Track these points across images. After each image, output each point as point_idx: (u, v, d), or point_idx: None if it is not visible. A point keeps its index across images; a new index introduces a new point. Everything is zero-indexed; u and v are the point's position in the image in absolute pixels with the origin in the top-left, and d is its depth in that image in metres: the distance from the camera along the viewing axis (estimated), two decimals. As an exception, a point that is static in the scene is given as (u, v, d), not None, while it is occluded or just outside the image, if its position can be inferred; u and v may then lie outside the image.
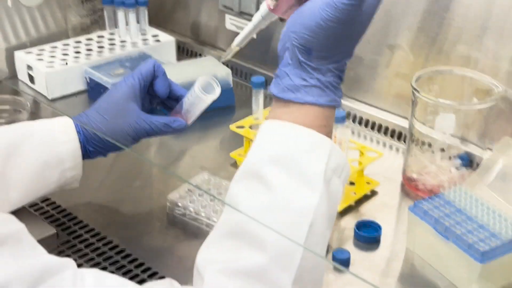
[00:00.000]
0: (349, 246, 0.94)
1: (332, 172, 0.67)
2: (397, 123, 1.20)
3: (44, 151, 0.88)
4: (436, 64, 1.12)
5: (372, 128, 1.23)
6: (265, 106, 1.14)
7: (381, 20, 1.16)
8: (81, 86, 1.34)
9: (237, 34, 1.41)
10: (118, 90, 0.91)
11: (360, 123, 1.24)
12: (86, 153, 0.92)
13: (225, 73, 1.29)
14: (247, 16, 1.37)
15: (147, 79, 0.92)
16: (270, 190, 0.65)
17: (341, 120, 0.99)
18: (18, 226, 0.62)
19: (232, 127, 1.11)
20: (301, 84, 0.66)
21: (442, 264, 0.88)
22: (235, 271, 0.63)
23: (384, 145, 1.20)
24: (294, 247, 0.63)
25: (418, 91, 1.01)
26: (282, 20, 0.74)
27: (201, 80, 0.89)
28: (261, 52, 1.38)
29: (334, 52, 0.65)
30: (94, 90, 1.31)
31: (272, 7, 0.71)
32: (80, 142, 0.90)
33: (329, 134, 0.69)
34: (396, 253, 0.93)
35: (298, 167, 0.65)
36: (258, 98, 1.11)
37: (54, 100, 1.31)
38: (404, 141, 1.18)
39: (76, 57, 1.36)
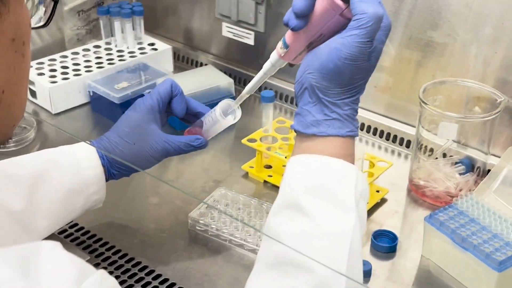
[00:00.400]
0: (367, 256, 0.98)
1: (360, 196, 0.72)
2: (399, 128, 1.24)
3: (69, 178, 0.90)
4: (431, 71, 1.17)
5: (374, 133, 1.27)
6: (273, 118, 1.17)
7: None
8: (83, 99, 1.35)
9: (234, 41, 1.45)
10: (138, 112, 0.93)
11: (361, 128, 1.28)
12: (110, 176, 0.94)
13: (227, 83, 1.32)
14: (245, 24, 1.39)
15: (165, 99, 0.94)
16: (310, 217, 0.69)
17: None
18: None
19: (244, 141, 1.14)
20: (323, 119, 0.71)
21: (459, 271, 0.93)
22: None
23: (386, 150, 1.24)
24: (340, 267, 0.67)
25: (425, 103, 1.05)
26: (291, 65, 0.79)
27: (221, 105, 0.91)
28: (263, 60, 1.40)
29: (350, 87, 0.71)
30: (98, 103, 1.32)
31: (282, 55, 0.75)
32: (104, 166, 0.92)
33: (352, 161, 0.74)
34: (412, 261, 0.98)
35: (332, 194, 0.70)
36: (268, 111, 1.14)
37: (57, 114, 1.32)
38: (407, 146, 1.23)
39: (76, 70, 1.36)
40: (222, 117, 0.91)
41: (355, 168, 0.73)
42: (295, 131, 0.74)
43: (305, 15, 0.70)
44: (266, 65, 0.78)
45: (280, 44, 0.75)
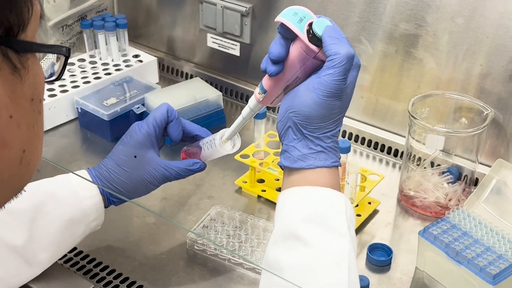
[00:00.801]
0: (363, 270, 1.01)
1: (349, 221, 0.76)
2: (387, 138, 1.27)
3: (68, 209, 0.90)
4: (416, 82, 1.20)
5: (362, 143, 1.29)
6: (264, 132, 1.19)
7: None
8: (71, 115, 1.35)
9: (219, 51, 1.45)
10: (135, 139, 0.93)
11: (349, 138, 1.30)
12: (110, 203, 0.95)
13: (216, 96, 1.33)
14: (230, 35, 1.40)
15: (162, 125, 0.95)
16: (308, 245, 0.73)
17: (346, 150, 1.05)
18: None
19: (237, 157, 1.15)
20: (309, 152, 0.76)
21: (453, 284, 0.96)
22: None
23: (374, 158, 1.27)
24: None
25: (414, 117, 1.08)
26: (268, 108, 0.81)
27: (222, 132, 0.92)
28: (249, 71, 1.42)
29: (330, 121, 0.76)
30: (86, 119, 1.32)
31: (261, 99, 0.79)
32: (103, 194, 0.93)
33: (338, 189, 0.78)
34: (407, 273, 1.00)
35: (326, 221, 0.74)
36: (260, 127, 1.16)
37: (45, 132, 1.31)
38: (394, 155, 1.26)
39: (63, 85, 1.36)
40: (221, 145, 0.92)
41: (343, 196, 0.77)
42: (284, 167, 0.78)
43: (281, 61, 0.75)
44: (245, 111, 0.83)
45: (257, 89, 0.79)
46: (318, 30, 0.73)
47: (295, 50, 0.74)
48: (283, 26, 0.74)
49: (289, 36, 0.74)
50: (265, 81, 0.78)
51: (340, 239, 0.73)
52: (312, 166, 0.76)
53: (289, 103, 0.76)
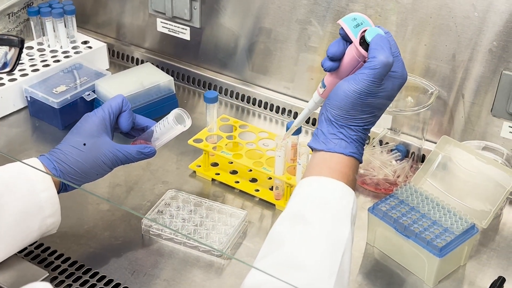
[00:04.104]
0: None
1: (353, 217, 0.81)
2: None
3: (24, 201, 0.90)
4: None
5: (313, 123, 1.31)
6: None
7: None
8: (20, 104, 1.33)
9: (169, 36, 1.45)
10: (90, 123, 0.96)
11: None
12: (63, 188, 0.95)
13: (167, 80, 1.33)
14: (180, 20, 1.40)
15: (116, 113, 0.98)
16: (311, 225, 0.78)
17: (297, 132, 1.07)
18: None
19: (190, 142, 1.16)
20: (331, 137, 0.83)
21: (403, 258, 0.99)
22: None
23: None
24: (332, 270, 0.74)
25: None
26: None
27: (174, 113, 0.97)
28: (200, 55, 1.42)
29: (357, 116, 0.83)
30: (36, 107, 1.30)
31: (321, 93, 0.87)
32: (57, 177, 0.93)
33: (353, 181, 0.84)
34: (358, 249, 1.03)
35: (333, 209, 0.80)
36: (212, 111, 1.17)
37: (-6, 121, 1.30)
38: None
39: (11, 74, 1.34)
40: (175, 123, 0.97)
41: (353, 192, 0.82)
42: (311, 148, 0.86)
43: (336, 59, 0.83)
44: (310, 104, 0.90)
45: (320, 84, 0.87)
46: (368, 36, 0.81)
47: (349, 52, 0.83)
48: (342, 28, 0.82)
49: (346, 38, 0.83)
50: (326, 77, 0.86)
51: (341, 226, 0.78)
52: (331, 150, 0.82)
53: (330, 93, 0.84)
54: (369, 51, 0.81)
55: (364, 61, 0.82)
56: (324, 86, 0.86)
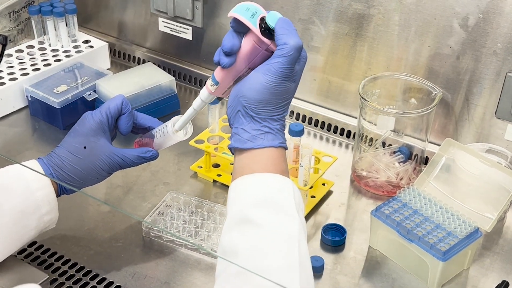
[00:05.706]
0: (318, 250, 1.03)
1: (298, 205, 0.79)
2: (338, 119, 1.28)
3: (20, 201, 0.89)
4: (366, 64, 1.21)
5: (315, 125, 1.30)
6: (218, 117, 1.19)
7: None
8: (21, 103, 1.32)
9: (171, 35, 1.45)
10: (87, 126, 0.93)
11: (303, 120, 1.31)
12: (62, 191, 0.94)
13: (169, 81, 1.32)
14: (182, 19, 1.39)
15: (115, 115, 0.95)
16: (259, 226, 0.75)
17: (300, 133, 1.06)
18: None
19: (192, 143, 1.15)
20: (257, 133, 0.81)
21: (406, 261, 0.98)
22: None
23: (327, 140, 1.29)
24: (293, 268, 0.72)
25: (365, 99, 1.09)
26: (219, 99, 0.88)
27: (174, 119, 0.94)
28: (202, 55, 1.41)
29: (277, 105, 0.81)
30: (36, 107, 1.30)
31: (213, 91, 0.84)
32: (56, 184, 0.92)
33: (286, 171, 0.82)
34: (361, 252, 1.03)
35: (275, 203, 0.78)
36: (214, 112, 1.16)
37: (-5, 121, 1.29)
38: (347, 136, 1.27)
39: (11, 73, 1.33)
40: (173, 132, 0.94)
41: (290, 181, 0.81)
42: (234, 149, 0.82)
43: (233, 53, 0.80)
44: (196, 102, 0.86)
45: (209, 81, 0.83)
46: (271, 22, 0.78)
47: (247, 42, 0.79)
48: (236, 20, 0.79)
49: (241, 30, 0.79)
50: (217, 73, 0.82)
51: (289, 220, 0.77)
52: (261, 146, 0.80)
53: (239, 89, 0.81)
54: (277, 37, 0.78)
55: (266, 49, 0.79)
56: (216, 82, 0.82)
